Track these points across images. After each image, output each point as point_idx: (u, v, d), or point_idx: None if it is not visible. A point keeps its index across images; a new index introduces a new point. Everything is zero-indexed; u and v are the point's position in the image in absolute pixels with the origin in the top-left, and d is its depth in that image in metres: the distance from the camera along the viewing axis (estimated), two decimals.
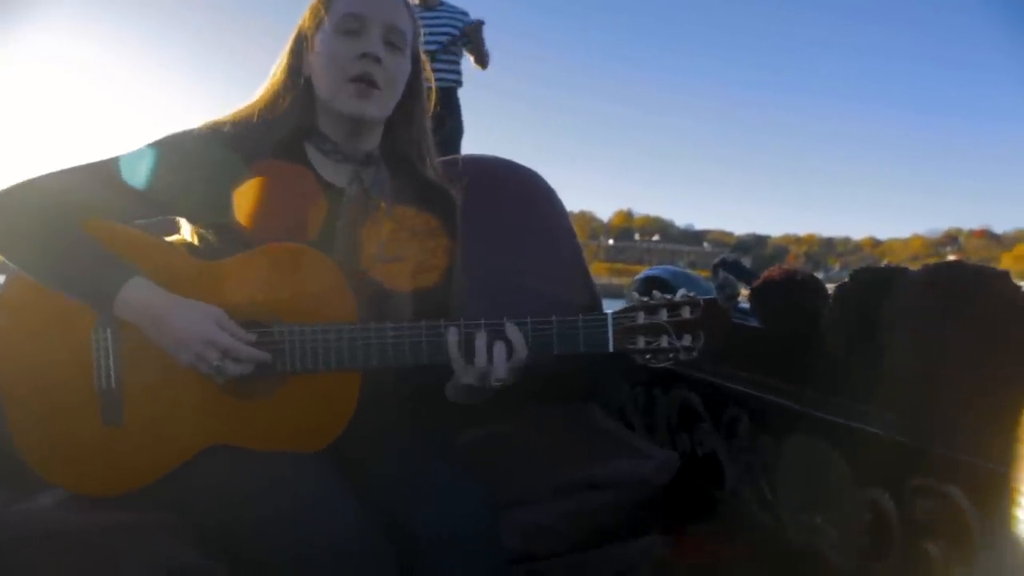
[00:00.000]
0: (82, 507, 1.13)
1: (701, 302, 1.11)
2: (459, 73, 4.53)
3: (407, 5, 1.25)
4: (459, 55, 4.51)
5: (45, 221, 1.08)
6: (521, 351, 1.09)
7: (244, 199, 1.18)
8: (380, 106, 1.21)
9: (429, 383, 1.22)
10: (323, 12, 1.20)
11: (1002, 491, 0.94)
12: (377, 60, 1.17)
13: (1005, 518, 0.94)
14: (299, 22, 1.25)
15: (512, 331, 1.10)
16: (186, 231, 1.23)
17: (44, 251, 1.08)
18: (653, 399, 1.79)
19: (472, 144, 4.70)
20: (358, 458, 1.17)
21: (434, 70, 4.45)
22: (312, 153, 1.24)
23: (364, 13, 1.18)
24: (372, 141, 1.28)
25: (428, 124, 1.34)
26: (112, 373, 1.10)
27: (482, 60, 4.48)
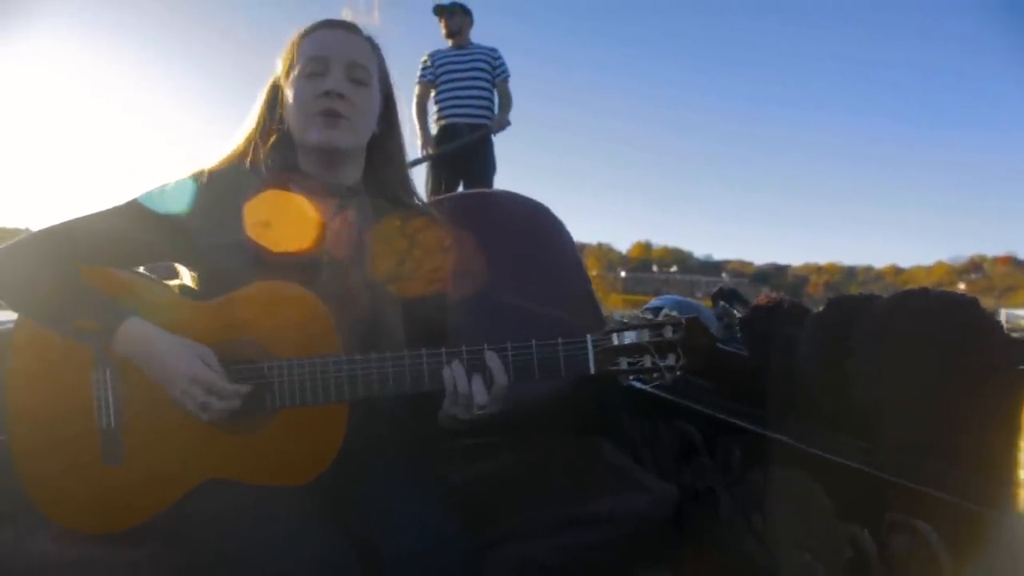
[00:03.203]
0: (78, 540, 1.17)
1: (683, 321, 1.11)
2: (490, 109, 4.69)
3: (369, 42, 1.32)
4: (489, 93, 4.69)
5: (46, 273, 1.14)
6: (501, 378, 1.11)
7: (237, 239, 1.22)
8: (349, 134, 1.26)
9: (421, 414, 1.23)
10: (293, 61, 1.28)
11: (971, 526, 0.93)
12: (340, 96, 1.24)
13: (978, 557, 0.93)
14: (273, 74, 1.32)
15: (492, 359, 1.12)
16: (185, 276, 1.28)
17: (46, 303, 1.14)
18: (658, 432, 1.79)
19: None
20: (345, 491, 1.19)
21: (461, 107, 4.43)
22: (296, 192, 1.28)
23: (325, 55, 1.25)
24: (352, 175, 1.32)
25: (405, 154, 1.40)
26: (112, 413, 1.15)
27: (501, 122, 4.66)
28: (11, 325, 1.25)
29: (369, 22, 1.33)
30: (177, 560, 1.13)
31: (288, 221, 1.24)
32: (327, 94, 1.23)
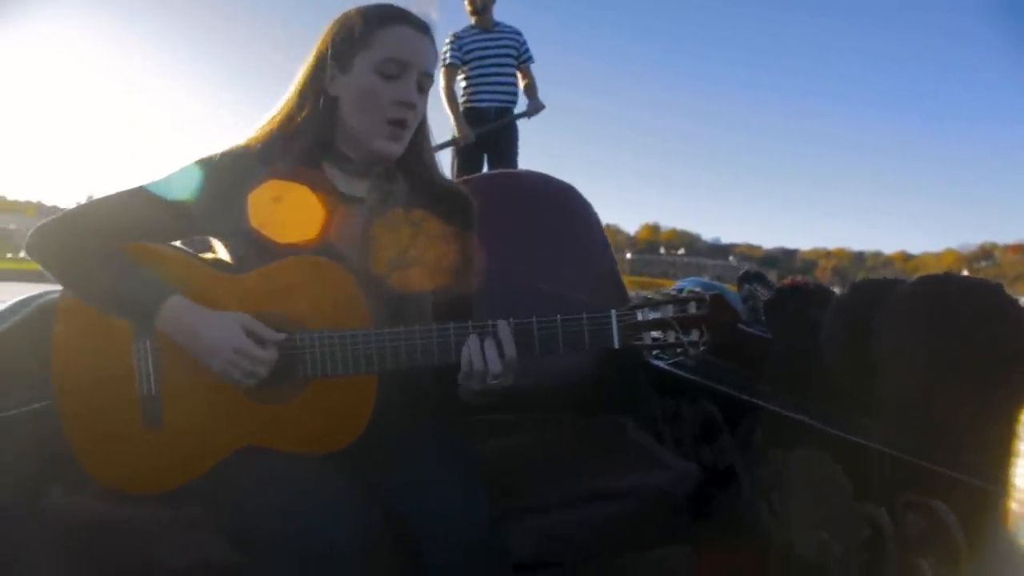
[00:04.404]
0: (124, 500, 1.22)
1: (707, 297, 1.13)
2: (515, 94, 4.71)
3: (436, 49, 1.32)
4: (514, 76, 4.69)
5: (93, 250, 1.19)
6: (510, 349, 1.14)
7: (267, 212, 1.24)
8: (405, 145, 1.29)
9: (447, 386, 1.26)
10: (361, 41, 1.24)
11: (986, 507, 0.95)
12: (413, 107, 1.25)
13: (991, 535, 0.95)
14: (322, 40, 1.28)
15: (503, 330, 1.15)
16: (219, 248, 1.31)
17: (94, 279, 1.19)
18: (680, 411, 1.81)
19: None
20: (373, 460, 1.22)
21: (490, 91, 4.61)
22: (329, 167, 1.31)
23: (407, 60, 1.24)
24: None
25: (430, 135, 1.41)
26: (152, 380, 1.19)
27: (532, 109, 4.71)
28: (57, 294, 1.29)
29: (429, 17, 1.32)
30: (213, 522, 1.18)
31: (317, 213, 1.27)
32: (402, 103, 1.24)
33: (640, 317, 1.14)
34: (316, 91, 1.28)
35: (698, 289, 1.15)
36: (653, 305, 1.14)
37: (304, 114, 1.28)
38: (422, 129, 1.37)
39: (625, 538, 1.38)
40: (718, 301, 1.13)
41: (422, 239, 1.33)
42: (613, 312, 1.15)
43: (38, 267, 1.21)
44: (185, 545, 1.19)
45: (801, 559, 1.33)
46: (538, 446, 1.61)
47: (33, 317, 1.46)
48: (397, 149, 1.28)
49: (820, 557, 1.27)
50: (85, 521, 1.21)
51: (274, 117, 1.31)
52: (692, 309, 1.13)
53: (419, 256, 1.32)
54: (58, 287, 1.26)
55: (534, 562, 1.29)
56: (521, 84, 4.72)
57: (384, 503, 1.16)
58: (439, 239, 1.35)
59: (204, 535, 1.18)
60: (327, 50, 1.27)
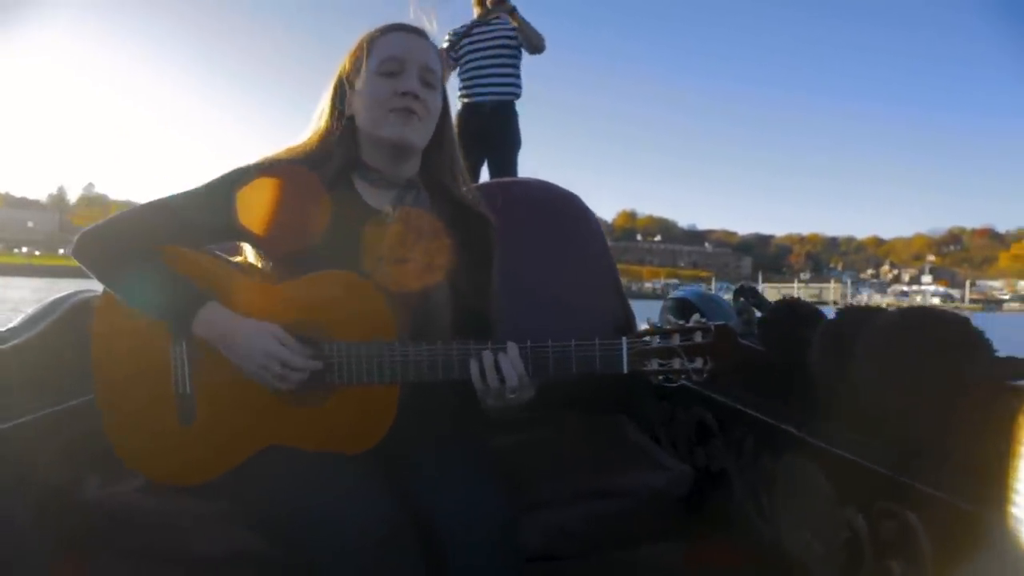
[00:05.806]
0: (158, 492, 1.29)
1: (712, 328, 1.20)
2: (517, 86, 4.63)
3: (435, 48, 1.41)
4: (517, 67, 4.61)
5: (134, 256, 1.26)
6: (519, 367, 1.21)
7: (297, 224, 1.31)
8: (419, 133, 1.36)
9: (467, 393, 1.31)
10: (363, 57, 1.36)
11: (953, 517, 1.04)
12: (416, 97, 1.33)
13: (955, 546, 1.04)
14: (338, 69, 1.40)
15: (512, 350, 1.22)
16: (248, 253, 1.38)
17: (134, 284, 1.26)
18: (675, 415, 1.90)
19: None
20: (395, 459, 1.30)
21: (486, 84, 4.41)
22: (358, 183, 1.39)
23: (402, 56, 1.34)
24: (411, 168, 1.42)
25: (458, 151, 1.49)
26: (187, 379, 1.26)
27: (532, 44, 4.57)
28: (87, 294, 1.37)
29: (428, 28, 1.42)
30: (240, 517, 1.25)
31: (347, 222, 1.34)
32: (405, 94, 1.31)
33: (648, 344, 1.21)
34: (339, 115, 1.38)
35: (705, 319, 1.22)
36: (661, 334, 1.22)
37: (332, 137, 1.37)
38: (443, 141, 1.44)
39: (623, 534, 1.47)
40: (722, 331, 1.20)
41: (441, 249, 1.40)
42: (624, 340, 1.22)
43: (6, 261, 1.27)
44: (215, 537, 1.26)
45: (786, 557, 1.43)
46: (542, 444, 1.68)
47: (67, 317, 1.52)
48: (411, 133, 1.34)
49: (804, 556, 1.38)
50: (119, 512, 1.28)
51: (307, 142, 1.39)
52: (698, 338, 1.20)
53: (438, 264, 1.39)
54: (86, 287, 1.32)
55: (538, 555, 1.37)
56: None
57: (405, 499, 1.22)
58: (457, 250, 1.41)
59: (233, 527, 1.26)
60: (343, 76, 1.38)
